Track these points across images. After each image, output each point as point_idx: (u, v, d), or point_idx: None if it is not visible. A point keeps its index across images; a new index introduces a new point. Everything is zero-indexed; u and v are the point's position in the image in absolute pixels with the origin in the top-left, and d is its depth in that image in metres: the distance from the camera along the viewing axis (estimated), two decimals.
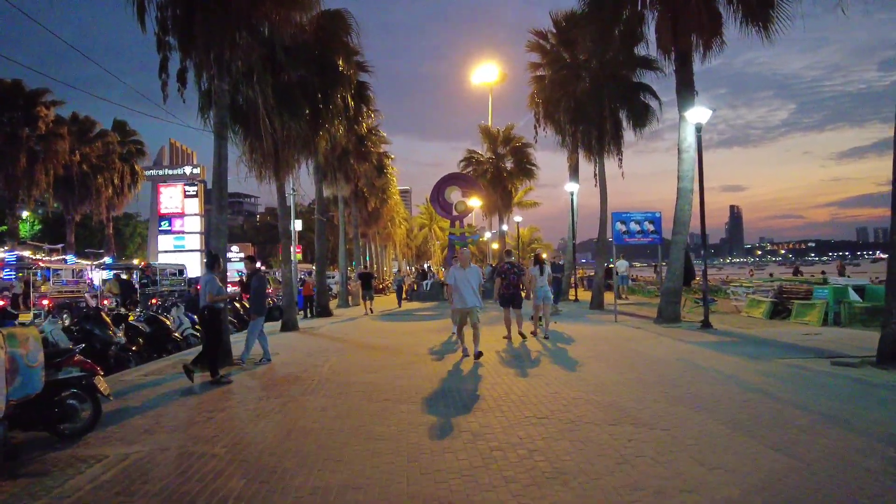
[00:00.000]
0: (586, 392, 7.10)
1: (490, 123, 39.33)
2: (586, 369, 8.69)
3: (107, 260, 45.27)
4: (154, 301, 23.66)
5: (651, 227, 15.63)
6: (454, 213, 31.95)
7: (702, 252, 13.92)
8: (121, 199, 44.36)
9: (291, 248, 23.68)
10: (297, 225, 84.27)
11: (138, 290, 24.86)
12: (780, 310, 16.12)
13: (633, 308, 21.07)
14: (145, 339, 11.85)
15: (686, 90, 14.61)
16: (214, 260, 9.39)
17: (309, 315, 21.03)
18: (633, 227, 15.54)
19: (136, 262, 61.34)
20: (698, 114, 13.45)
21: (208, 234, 10.34)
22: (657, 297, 27.34)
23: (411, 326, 16.45)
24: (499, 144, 37.23)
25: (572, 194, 25.15)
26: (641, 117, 20.82)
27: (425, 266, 54.43)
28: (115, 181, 40.82)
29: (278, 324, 16.33)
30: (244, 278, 11.69)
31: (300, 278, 22.59)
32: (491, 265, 31.74)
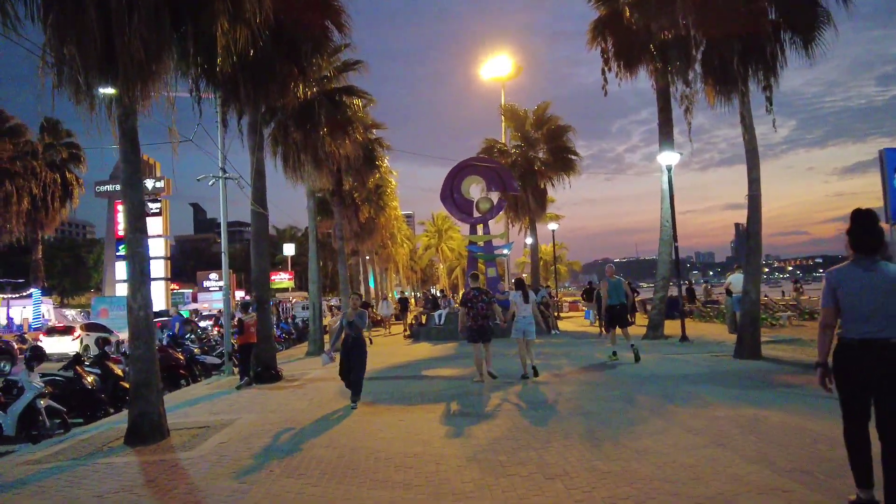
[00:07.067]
0: None
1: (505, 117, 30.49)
2: None
3: (34, 292, 36.23)
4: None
5: None
6: (476, 213, 22.47)
7: None
8: (51, 216, 35.56)
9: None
10: (290, 249, 73.85)
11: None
12: None
13: (795, 352, 12.02)
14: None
15: None
16: None
17: (249, 379, 12.01)
18: None
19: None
20: None
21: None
22: (784, 329, 17.54)
23: (417, 424, 7.25)
24: (528, 128, 28.36)
25: (669, 169, 16.09)
26: (808, 21, 11.96)
27: (437, 292, 44.51)
28: (35, 191, 31.96)
29: (124, 421, 7.27)
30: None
31: (237, 317, 13.46)
32: (540, 290, 22.60)
